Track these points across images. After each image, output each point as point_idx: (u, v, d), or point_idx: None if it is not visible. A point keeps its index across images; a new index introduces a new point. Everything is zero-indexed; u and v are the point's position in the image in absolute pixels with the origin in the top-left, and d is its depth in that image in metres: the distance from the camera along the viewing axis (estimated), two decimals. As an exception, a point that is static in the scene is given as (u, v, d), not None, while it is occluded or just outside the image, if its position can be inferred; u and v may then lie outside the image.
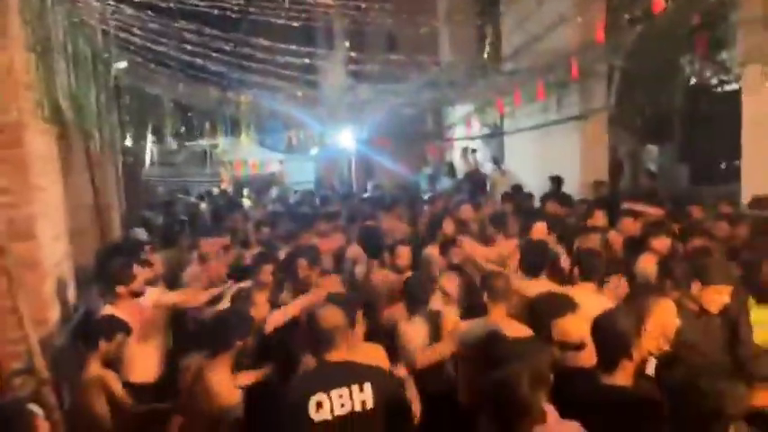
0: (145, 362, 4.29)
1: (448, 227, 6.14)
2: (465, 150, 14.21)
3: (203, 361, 3.29)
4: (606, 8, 7.16)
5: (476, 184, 12.47)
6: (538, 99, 8.13)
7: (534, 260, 4.26)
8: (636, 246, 5.02)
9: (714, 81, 9.14)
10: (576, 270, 4.01)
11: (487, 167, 13.39)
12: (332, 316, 2.82)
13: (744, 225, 5.37)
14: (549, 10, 6.68)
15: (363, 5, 6.97)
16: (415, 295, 3.90)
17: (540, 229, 5.42)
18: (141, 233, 8.17)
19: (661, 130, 10.60)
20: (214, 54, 6.89)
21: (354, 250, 5.99)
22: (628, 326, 2.64)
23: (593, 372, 2.70)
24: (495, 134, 12.80)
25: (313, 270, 4.81)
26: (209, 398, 3.12)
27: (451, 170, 13.96)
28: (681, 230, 5.47)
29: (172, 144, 16.27)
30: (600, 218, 6.11)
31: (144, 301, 4.45)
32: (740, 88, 7.04)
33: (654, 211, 6.32)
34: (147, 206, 11.98)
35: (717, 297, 3.34)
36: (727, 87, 9.70)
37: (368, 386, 2.63)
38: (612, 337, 2.61)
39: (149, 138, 12.86)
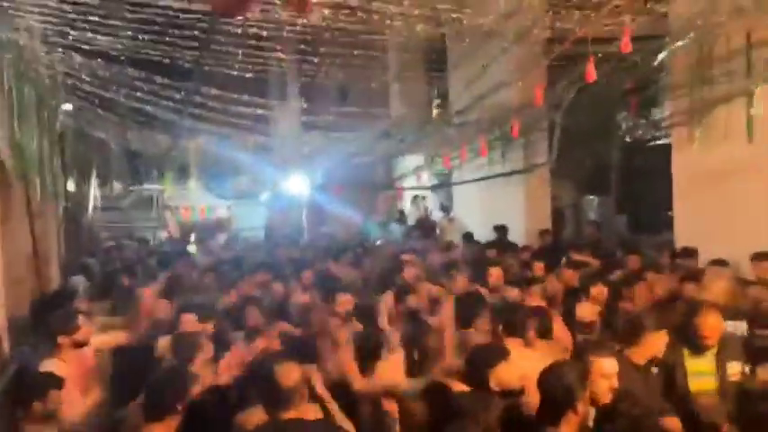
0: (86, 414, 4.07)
1: (408, 273, 6.18)
2: (415, 198, 14.48)
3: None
4: (546, 73, 7.60)
5: (425, 230, 12.68)
6: (481, 155, 8.46)
7: (467, 311, 4.31)
8: (575, 295, 5.19)
9: (647, 136, 9.72)
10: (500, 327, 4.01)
11: (437, 215, 13.66)
12: (290, 373, 2.77)
13: (675, 276, 5.65)
14: (493, 71, 7.03)
15: (316, 59, 7.14)
16: (366, 350, 3.89)
17: (496, 275, 5.52)
18: (80, 281, 7.89)
19: (600, 183, 11.12)
20: (164, 102, 6.87)
21: (302, 297, 5.97)
22: (574, 379, 2.72)
23: (538, 424, 2.76)
24: (444, 185, 13.12)
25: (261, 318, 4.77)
26: None
27: (402, 217, 14.17)
28: (622, 279, 5.73)
29: (117, 189, 15.91)
30: (539, 269, 6.29)
31: (87, 351, 4.28)
32: (670, 143, 7.53)
33: (594, 262, 6.59)
34: (89, 253, 11.55)
35: (655, 345, 3.49)
36: (660, 142, 10.35)
37: None
38: (559, 391, 2.69)
39: (93, 182, 12.54)
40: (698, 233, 6.67)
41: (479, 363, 3.12)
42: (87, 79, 6.74)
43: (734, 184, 6.34)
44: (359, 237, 11.88)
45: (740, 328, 4.36)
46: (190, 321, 4.66)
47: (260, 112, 7.71)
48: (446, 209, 12.97)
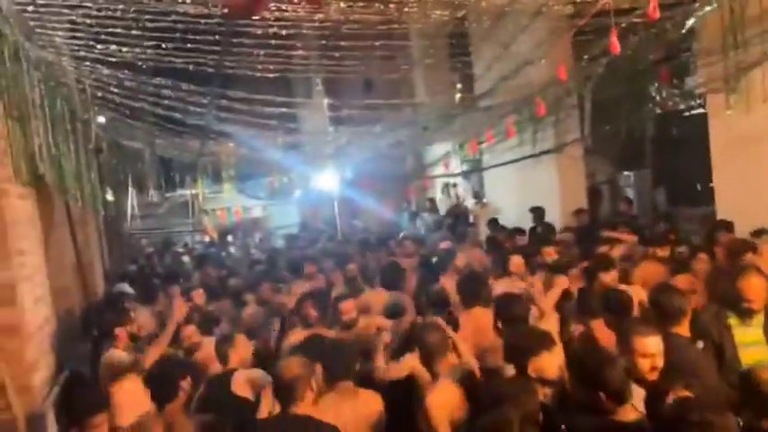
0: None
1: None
2: (446, 186, 14.39)
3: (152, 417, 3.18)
4: (571, 48, 7.44)
5: (458, 217, 12.60)
6: (508, 138, 8.33)
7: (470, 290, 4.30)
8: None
9: (682, 107, 9.42)
10: None
11: (470, 202, 13.54)
12: (292, 366, 2.80)
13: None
14: (515, 51, 6.91)
15: (337, 54, 7.13)
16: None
17: (516, 264, 5.46)
18: (125, 287, 8.12)
19: (636, 157, 10.83)
20: (192, 108, 6.98)
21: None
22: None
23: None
24: (475, 170, 12.99)
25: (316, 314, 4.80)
26: None
27: (433, 206, 14.10)
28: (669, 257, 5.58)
29: (154, 196, 16.28)
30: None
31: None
32: (706, 112, 7.28)
33: (628, 237, 6.44)
34: (130, 260, 11.89)
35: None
36: (695, 111, 10.02)
37: None
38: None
39: (131, 191, 12.88)
40: (739, 202, 6.45)
41: (522, 349, 3.07)
42: (116, 91, 6.90)
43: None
44: (391, 228, 11.90)
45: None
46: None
47: (286, 110, 7.76)
48: (478, 195, 12.85)
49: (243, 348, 4.00)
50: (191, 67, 6.13)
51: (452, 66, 10.83)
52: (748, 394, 2.69)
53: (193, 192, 15.29)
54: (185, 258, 11.80)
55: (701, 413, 1.99)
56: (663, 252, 5.74)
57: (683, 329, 3.44)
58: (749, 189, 6.41)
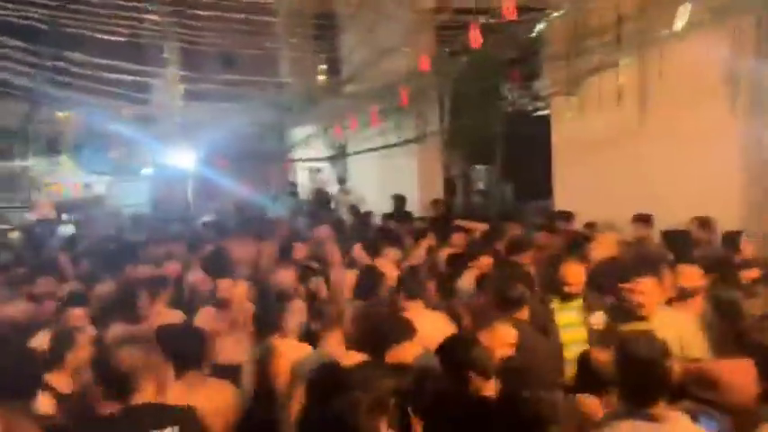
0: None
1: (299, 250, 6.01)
2: (311, 170, 14.25)
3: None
4: (434, 40, 7.66)
5: (321, 202, 12.55)
6: (372, 126, 8.42)
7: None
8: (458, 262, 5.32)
9: (529, 107, 10.15)
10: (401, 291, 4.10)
11: (333, 187, 13.53)
12: (128, 357, 2.60)
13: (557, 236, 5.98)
14: (381, 38, 6.98)
15: (197, 23, 6.68)
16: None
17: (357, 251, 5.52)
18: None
19: (486, 152, 11.50)
20: (19, 67, 6.12)
21: (197, 277, 5.66)
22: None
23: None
24: (338, 156, 12.99)
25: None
26: None
27: (294, 190, 13.91)
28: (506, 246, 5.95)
29: (-27, 165, 14.26)
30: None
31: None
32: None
33: (480, 227, 6.82)
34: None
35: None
36: (541, 113, 10.85)
37: (176, 430, 2.51)
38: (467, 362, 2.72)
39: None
40: (575, 198, 7.09)
41: (381, 337, 3.07)
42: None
43: (608, 150, 6.78)
44: (249, 211, 11.49)
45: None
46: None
47: (136, 79, 7.11)
48: (342, 180, 12.87)
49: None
50: (18, 20, 5.36)
51: (318, 47, 10.67)
52: (584, 373, 2.92)
53: (24, 163, 13.57)
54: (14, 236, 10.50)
55: (532, 390, 2.11)
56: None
57: (523, 315, 3.71)
58: (583, 186, 7.07)
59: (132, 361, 2.58)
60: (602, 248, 5.00)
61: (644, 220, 5.89)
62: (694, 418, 2.34)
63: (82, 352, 3.63)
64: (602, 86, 6.44)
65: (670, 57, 5.95)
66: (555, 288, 4.02)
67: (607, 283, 4.12)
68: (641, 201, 6.11)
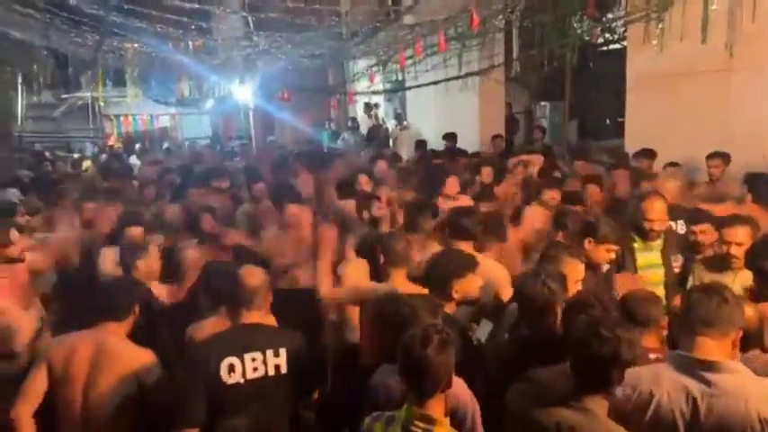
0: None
1: (363, 182, 5.97)
2: (367, 106, 14.09)
3: (94, 333, 2.95)
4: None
5: (378, 139, 12.47)
6: (439, 51, 8.10)
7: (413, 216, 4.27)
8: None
9: (601, 40, 9.56)
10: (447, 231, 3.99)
11: (390, 123, 13.39)
12: (255, 275, 2.73)
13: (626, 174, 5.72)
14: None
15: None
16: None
17: (452, 184, 5.39)
18: (14, 194, 7.44)
19: (553, 88, 11.02)
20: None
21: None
22: (557, 284, 2.71)
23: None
24: (397, 90, 12.76)
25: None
26: (116, 365, 2.78)
27: (354, 125, 13.83)
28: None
29: (48, 97, 14.87)
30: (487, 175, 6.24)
31: (20, 267, 4.05)
32: (624, 48, 7.41)
33: (536, 159, 6.63)
34: (21, 164, 10.88)
35: (605, 255, 3.55)
36: (613, 47, 10.23)
37: (283, 351, 2.62)
38: (542, 295, 2.66)
39: (20, 89, 11.64)
40: (647, 138, 6.71)
41: (445, 272, 3.04)
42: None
43: (687, 86, 6.34)
44: (309, 145, 11.54)
45: (682, 226, 4.48)
46: (135, 234, 4.47)
47: (197, 6, 7.06)
48: (400, 117, 12.70)
49: (153, 259, 3.83)
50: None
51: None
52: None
53: (94, 94, 14.02)
54: (86, 164, 10.97)
55: (609, 328, 2.05)
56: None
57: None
58: (657, 126, 6.68)
59: (257, 280, 2.71)
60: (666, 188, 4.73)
61: (722, 156, 5.54)
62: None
63: (153, 261, 3.81)
64: (687, 14, 5.94)
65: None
66: (635, 226, 3.81)
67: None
68: (723, 143, 5.72)
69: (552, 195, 5.05)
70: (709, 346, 2.06)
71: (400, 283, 3.35)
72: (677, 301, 3.61)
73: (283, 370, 2.62)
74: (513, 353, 2.65)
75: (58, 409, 2.85)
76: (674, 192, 4.62)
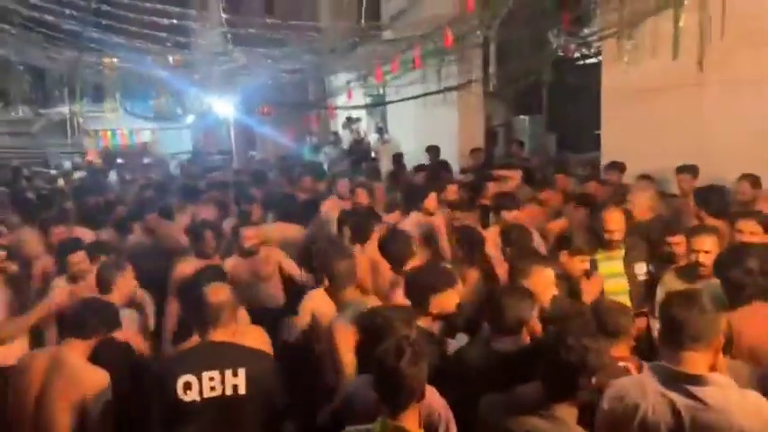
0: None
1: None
2: (348, 120, 14.15)
3: (59, 348, 2.96)
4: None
5: (360, 153, 12.50)
6: (415, 68, 8.21)
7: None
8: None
9: (577, 55, 9.73)
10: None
11: (372, 137, 13.45)
12: (219, 292, 2.71)
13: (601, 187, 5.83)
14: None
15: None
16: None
17: (431, 201, 5.41)
18: (-11, 211, 7.31)
19: (531, 102, 11.17)
20: (67, 11, 6.16)
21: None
22: (528, 298, 2.75)
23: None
24: (377, 104, 12.85)
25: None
26: (67, 382, 2.79)
27: (336, 140, 13.86)
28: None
29: (26, 112, 14.70)
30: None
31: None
32: (600, 62, 7.56)
33: (514, 174, 6.70)
34: (-4, 181, 10.72)
35: (580, 265, 3.65)
36: (590, 61, 10.41)
37: (242, 371, 2.59)
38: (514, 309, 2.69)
39: (-4, 104, 11.52)
40: (623, 150, 6.83)
41: (423, 286, 3.04)
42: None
43: (660, 100, 6.48)
44: (290, 160, 11.55)
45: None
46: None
47: (176, 22, 7.07)
48: (381, 131, 12.77)
49: (129, 277, 3.72)
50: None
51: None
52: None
53: (72, 109, 13.90)
54: (60, 182, 10.84)
55: (576, 338, 2.09)
56: (545, 195, 6.03)
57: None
58: (632, 139, 6.80)
59: (220, 297, 2.69)
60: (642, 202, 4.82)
61: (689, 170, 5.65)
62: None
63: (129, 278, 3.73)
64: (659, 30, 6.09)
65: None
66: (597, 237, 3.94)
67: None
68: (695, 156, 5.84)
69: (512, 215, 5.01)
70: (695, 360, 2.08)
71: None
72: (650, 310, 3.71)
73: (241, 390, 2.58)
74: (489, 367, 2.66)
75: (8, 417, 2.89)
76: (645, 204, 4.71)
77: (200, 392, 2.54)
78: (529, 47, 8.47)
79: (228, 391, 2.56)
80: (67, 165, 14.57)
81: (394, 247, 3.84)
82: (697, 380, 2.05)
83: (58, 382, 2.80)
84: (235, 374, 2.57)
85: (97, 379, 2.80)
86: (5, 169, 12.39)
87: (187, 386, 2.53)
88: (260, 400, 2.62)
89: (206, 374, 2.55)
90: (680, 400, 2.04)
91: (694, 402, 2.03)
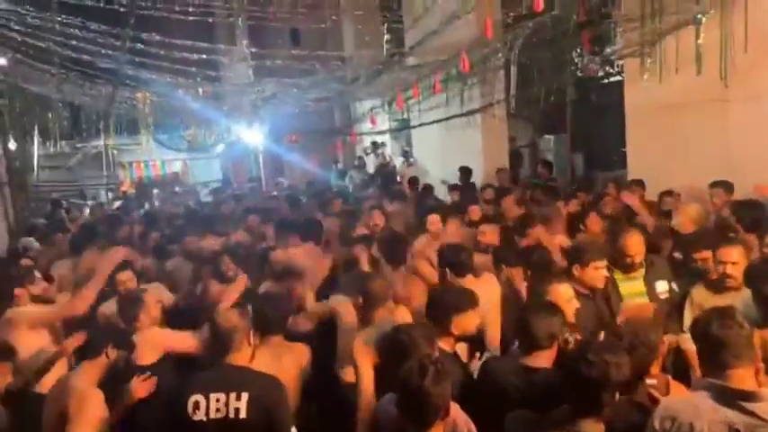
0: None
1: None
2: (374, 145, 14.34)
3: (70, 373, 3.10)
4: (500, 5, 7.46)
5: (386, 177, 12.63)
6: (434, 93, 8.34)
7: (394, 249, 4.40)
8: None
9: (600, 74, 9.74)
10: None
11: (398, 160, 13.60)
12: (230, 316, 2.83)
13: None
14: (444, 7, 6.86)
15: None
16: None
17: (433, 222, 5.42)
18: (31, 242, 7.62)
19: (556, 122, 11.18)
20: (103, 50, 6.48)
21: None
22: (555, 316, 2.75)
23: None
24: (401, 128, 13.00)
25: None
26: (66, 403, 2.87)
27: (362, 164, 14.05)
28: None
29: (63, 146, 15.25)
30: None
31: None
32: (623, 80, 7.57)
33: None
34: (37, 214, 11.14)
35: (596, 273, 3.58)
36: (613, 79, 10.41)
37: (245, 396, 2.66)
38: (542, 327, 2.67)
39: (36, 140, 12.00)
40: (650, 167, 6.80)
41: (444, 307, 3.06)
42: (17, 28, 6.31)
43: (685, 116, 6.44)
44: (318, 186, 11.73)
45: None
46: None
47: (207, 57, 7.36)
48: (406, 154, 12.90)
49: (153, 308, 3.81)
50: (101, 3, 5.66)
51: (382, 18, 10.64)
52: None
53: (107, 143, 14.40)
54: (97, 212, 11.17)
55: (596, 353, 2.11)
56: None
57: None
58: (658, 156, 6.77)
59: (235, 321, 2.81)
60: (685, 218, 4.79)
61: (723, 186, 5.57)
62: None
63: (153, 311, 3.81)
64: (681, 47, 6.09)
65: (755, 12, 5.55)
66: (615, 261, 3.81)
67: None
68: (721, 171, 5.78)
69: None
70: (742, 376, 2.08)
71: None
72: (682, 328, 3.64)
73: (242, 414, 2.65)
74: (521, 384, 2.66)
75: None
76: (696, 216, 4.69)
77: (207, 413, 2.65)
78: (551, 67, 8.53)
79: (231, 414, 2.65)
80: (103, 196, 15.08)
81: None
82: (752, 396, 2.04)
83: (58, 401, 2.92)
84: (238, 398, 2.66)
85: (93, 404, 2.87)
86: (45, 202, 12.87)
87: (196, 405, 2.65)
88: (262, 425, 2.67)
89: (213, 396, 2.66)
90: (737, 418, 2.02)
91: (752, 419, 2.00)
